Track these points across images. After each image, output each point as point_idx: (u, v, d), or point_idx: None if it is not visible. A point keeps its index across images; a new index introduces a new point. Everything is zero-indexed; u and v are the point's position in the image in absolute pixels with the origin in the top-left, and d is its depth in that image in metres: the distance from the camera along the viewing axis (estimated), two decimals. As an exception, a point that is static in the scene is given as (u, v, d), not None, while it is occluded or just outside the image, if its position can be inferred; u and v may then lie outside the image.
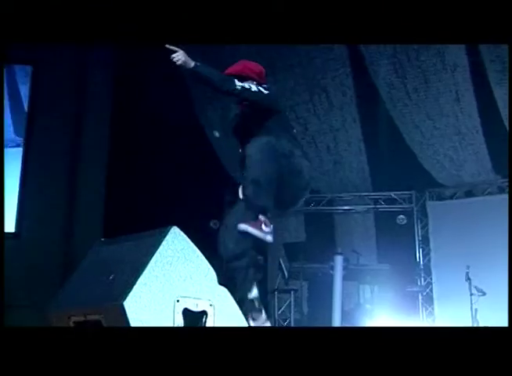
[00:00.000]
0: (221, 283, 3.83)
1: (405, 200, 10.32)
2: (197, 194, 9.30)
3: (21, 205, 8.35)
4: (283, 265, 9.64)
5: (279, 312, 9.66)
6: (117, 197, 8.39)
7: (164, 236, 3.60)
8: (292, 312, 9.48)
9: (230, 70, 4.32)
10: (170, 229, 3.65)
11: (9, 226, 8.31)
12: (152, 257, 3.50)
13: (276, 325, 9.42)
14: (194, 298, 3.64)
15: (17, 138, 8.73)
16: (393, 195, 10.33)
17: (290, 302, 9.53)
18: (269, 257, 10.44)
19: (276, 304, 9.61)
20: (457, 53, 8.27)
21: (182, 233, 3.69)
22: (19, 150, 8.52)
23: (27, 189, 8.34)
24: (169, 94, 8.89)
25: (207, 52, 8.95)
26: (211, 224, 10.22)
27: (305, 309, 10.08)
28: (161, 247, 3.56)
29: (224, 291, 3.83)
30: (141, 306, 3.37)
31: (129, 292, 3.34)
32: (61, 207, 8.39)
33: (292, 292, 9.53)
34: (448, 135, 9.12)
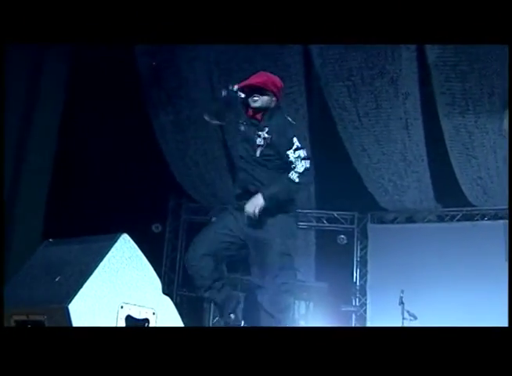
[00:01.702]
0: (165, 292, 3.86)
1: (346, 221, 10.49)
2: (141, 198, 9.28)
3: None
4: (222, 276, 9.64)
5: (214, 321, 9.68)
6: (60, 200, 8.29)
7: (114, 242, 3.62)
8: (226, 322, 9.48)
9: (252, 80, 4.27)
10: (120, 235, 3.66)
11: None
12: (100, 262, 3.51)
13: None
14: (138, 306, 3.66)
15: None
16: (335, 214, 10.49)
17: (226, 312, 9.52)
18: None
19: (212, 313, 9.63)
20: (410, 82, 8.46)
21: (131, 241, 3.71)
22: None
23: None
24: (121, 97, 8.86)
25: (166, 58, 9.07)
26: (153, 228, 10.24)
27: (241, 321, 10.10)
28: (110, 253, 3.57)
29: (167, 299, 3.87)
30: (85, 310, 3.38)
31: (75, 295, 3.35)
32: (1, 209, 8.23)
33: (228, 302, 9.53)
34: (394, 160, 9.31)
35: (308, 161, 4.26)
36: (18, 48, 7.99)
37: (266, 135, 4.26)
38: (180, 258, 10.53)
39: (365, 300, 10.03)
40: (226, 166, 9.89)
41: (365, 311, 9.96)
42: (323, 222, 10.55)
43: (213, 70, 9.10)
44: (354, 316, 9.96)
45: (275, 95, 4.32)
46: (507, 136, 4.05)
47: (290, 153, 4.26)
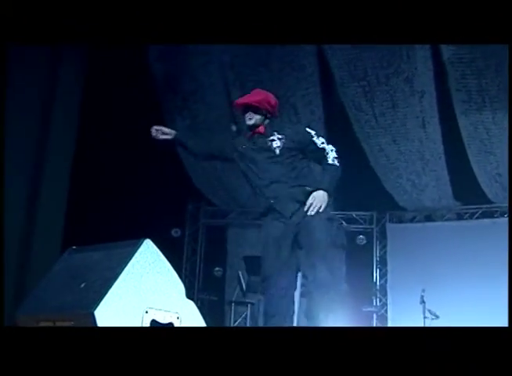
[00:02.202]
0: (189, 297, 3.87)
1: (365, 221, 10.48)
2: (159, 203, 9.32)
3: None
4: (242, 278, 9.67)
5: (235, 324, 9.69)
6: (79, 207, 8.34)
7: (137, 247, 3.63)
8: (248, 325, 9.52)
9: (248, 99, 4.45)
10: (143, 241, 3.68)
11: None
12: (124, 268, 3.52)
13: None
14: (162, 310, 3.67)
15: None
16: (354, 215, 10.48)
17: (246, 315, 9.57)
18: (228, 268, 10.51)
19: (232, 316, 9.64)
20: (425, 80, 8.45)
21: (154, 246, 3.72)
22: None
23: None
24: (137, 102, 8.90)
25: (180, 63, 9.10)
26: (173, 232, 10.28)
27: (261, 323, 10.10)
28: (133, 259, 3.58)
29: (191, 304, 3.88)
30: (111, 315, 3.39)
31: (100, 301, 3.36)
32: (21, 208, 8.29)
33: (249, 305, 9.57)
34: (412, 159, 9.30)
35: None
36: (32, 51, 8.06)
37: (279, 136, 4.40)
38: (200, 261, 10.57)
39: (386, 300, 10.01)
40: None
41: (386, 311, 9.95)
42: (341, 223, 10.53)
43: (228, 73, 9.13)
44: (375, 316, 9.94)
45: (269, 112, 4.48)
46: None
47: (316, 140, 4.52)
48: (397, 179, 9.61)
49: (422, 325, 8.23)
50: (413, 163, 9.33)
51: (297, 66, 8.84)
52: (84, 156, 8.30)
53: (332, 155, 4.60)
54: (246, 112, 4.43)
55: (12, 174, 7.83)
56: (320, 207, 4.35)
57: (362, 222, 10.48)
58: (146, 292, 3.61)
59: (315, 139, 4.53)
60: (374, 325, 9.90)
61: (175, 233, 10.28)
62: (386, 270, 10.15)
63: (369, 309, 9.86)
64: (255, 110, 4.42)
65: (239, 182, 10.10)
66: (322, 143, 4.59)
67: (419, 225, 10.17)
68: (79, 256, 3.94)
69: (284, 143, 4.38)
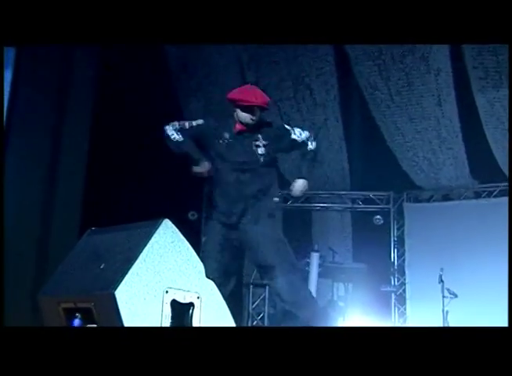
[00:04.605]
0: (208, 276, 3.88)
1: (382, 201, 10.44)
2: (176, 186, 9.31)
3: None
4: (260, 260, 9.68)
5: (253, 306, 9.73)
6: (96, 190, 8.37)
7: (156, 228, 3.63)
8: (266, 306, 9.55)
9: (263, 99, 4.69)
10: (162, 221, 3.68)
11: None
12: (144, 248, 3.53)
13: (249, 319, 9.50)
14: (182, 290, 3.68)
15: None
16: (371, 195, 10.44)
17: (265, 297, 9.59)
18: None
19: (251, 298, 9.67)
20: (441, 58, 8.38)
21: (173, 226, 3.73)
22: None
23: (5, 178, 8.28)
24: (152, 87, 8.89)
25: (193, 48, 9.07)
26: (189, 215, 10.27)
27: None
28: (153, 239, 3.59)
29: (211, 284, 3.88)
30: (131, 296, 3.40)
31: (120, 281, 3.37)
32: (39, 194, 8.35)
33: (267, 287, 9.59)
34: (428, 138, 9.24)
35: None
36: (45, 49, 8.08)
37: (265, 142, 4.68)
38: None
39: (404, 280, 9.98)
40: (259, 151, 9.88)
41: (404, 290, 9.92)
42: (359, 204, 10.51)
43: (242, 54, 9.10)
44: (393, 295, 9.93)
45: (263, 109, 4.68)
46: None
47: (294, 136, 4.84)
48: (413, 158, 9.56)
49: (440, 304, 8.22)
50: (430, 141, 9.27)
51: (311, 47, 8.79)
52: (102, 139, 8.32)
53: (310, 142, 4.88)
54: (253, 110, 4.58)
55: (28, 159, 7.89)
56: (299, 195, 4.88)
57: (378, 202, 10.44)
58: (166, 272, 3.62)
59: (292, 135, 4.82)
60: (393, 305, 9.91)
61: (192, 215, 10.28)
62: (404, 250, 10.11)
63: (388, 288, 9.85)
64: (251, 108, 4.59)
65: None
66: (300, 134, 4.84)
67: (436, 204, 10.11)
68: (98, 237, 3.95)
69: (267, 153, 4.66)
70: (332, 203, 10.57)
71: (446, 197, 10.09)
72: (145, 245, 3.55)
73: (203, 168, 4.70)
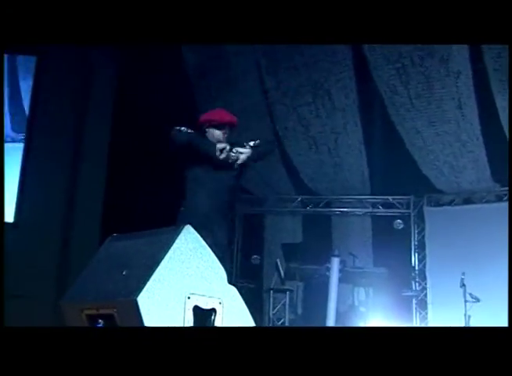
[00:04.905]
0: (230, 282, 3.88)
1: (402, 205, 10.39)
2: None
3: (21, 196, 8.38)
4: (280, 265, 9.67)
5: (274, 311, 9.69)
6: (117, 189, 8.41)
7: (178, 234, 3.64)
8: (287, 312, 9.53)
9: (233, 118, 5.29)
10: (183, 227, 3.69)
11: (8, 217, 8.37)
12: (166, 254, 3.54)
13: (270, 324, 9.47)
14: (204, 296, 3.68)
15: (15, 133, 8.80)
16: (391, 199, 10.40)
17: (285, 302, 9.57)
18: (266, 256, 10.51)
19: (271, 303, 9.64)
20: (461, 60, 8.32)
21: (194, 232, 3.73)
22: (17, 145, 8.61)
23: (28, 180, 8.37)
24: (171, 93, 8.92)
25: (212, 53, 9.09)
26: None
27: (300, 310, 10.13)
28: (175, 245, 3.60)
29: (233, 289, 3.88)
30: (153, 302, 3.41)
31: (143, 288, 3.38)
32: (61, 199, 8.42)
33: (287, 292, 9.57)
34: (448, 141, 9.17)
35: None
36: (65, 53, 8.14)
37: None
38: (237, 249, 10.58)
39: (425, 284, 9.92)
40: (279, 157, 9.87)
41: (425, 295, 9.86)
42: (379, 208, 10.46)
43: (260, 60, 9.10)
44: (415, 300, 9.87)
45: (232, 127, 5.25)
46: None
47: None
48: (434, 162, 9.50)
49: (463, 309, 8.15)
50: (450, 145, 9.20)
51: (330, 51, 8.77)
52: (120, 146, 8.36)
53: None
54: (224, 128, 5.14)
55: (50, 164, 7.96)
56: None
57: (399, 206, 10.39)
58: (188, 278, 3.62)
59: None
60: (414, 310, 9.85)
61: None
62: (424, 254, 10.05)
63: (409, 293, 9.80)
64: (231, 127, 5.21)
65: (274, 169, 10.10)
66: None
67: (457, 208, 10.03)
68: (120, 244, 3.96)
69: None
70: (352, 207, 10.54)
71: (467, 201, 10.02)
72: (167, 251, 3.55)
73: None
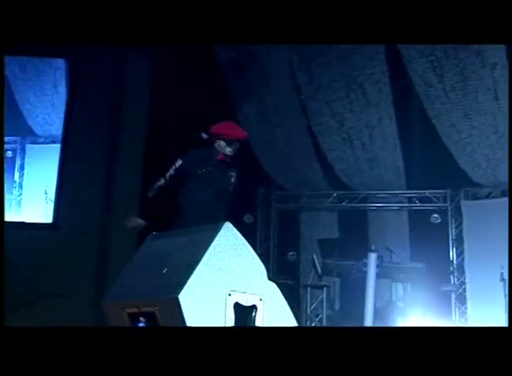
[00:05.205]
0: (270, 278, 3.87)
1: (439, 199, 10.29)
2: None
3: (59, 197, 8.47)
4: (317, 261, 9.66)
5: (311, 307, 9.69)
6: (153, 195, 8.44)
7: (218, 231, 3.65)
8: (324, 308, 9.52)
9: (242, 133, 5.60)
10: (223, 224, 3.70)
11: (48, 217, 8.48)
12: (206, 251, 3.55)
13: (308, 321, 9.47)
14: (245, 293, 3.68)
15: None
16: (427, 193, 10.30)
17: (323, 298, 9.56)
18: (302, 252, 10.49)
19: (309, 300, 9.64)
20: (496, 52, 8.20)
21: (234, 229, 3.74)
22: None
23: (65, 181, 8.45)
24: (205, 91, 8.93)
25: (245, 49, 9.08)
26: (245, 218, 10.30)
27: (337, 306, 10.10)
28: (215, 242, 3.61)
29: (273, 286, 3.88)
30: (195, 299, 3.42)
31: (184, 285, 3.39)
32: (98, 198, 8.48)
33: (324, 288, 9.56)
34: (485, 133, 9.05)
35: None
36: (98, 54, 8.20)
37: (232, 173, 5.47)
38: (273, 246, 10.58)
39: (464, 279, 9.81)
40: (313, 153, 9.84)
41: (464, 290, 9.75)
42: (415, 202, 10.37)
43: (292, 56, 9.07)
44: (453, 295, 9.77)
45: (241, 142, 5.53)
46: None
47: None
48: (471, 155, 9.38)
49: (503, 303, 8.06)
50: (487, 137, 9.08)
51: (363, 45, 8.71)
52: (155, 144, 8.40)
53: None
54: (231, 142, 5.39)
55: (87, 167, 8.04)
56: None
57: (435, 200, 10.29)
58: (229, 275, 3.63)
59: None
60: (453, 305, 9.76)
61: (248, 219, 10.30)
62: (462, 248, 9.94)
63: (447, 287, 9.70)
64: (234, 141, 5.42)
65: (308, 165, 10.08)
66: None
67: (495, 200, 9.89)
68: (160, 242, 3.98)
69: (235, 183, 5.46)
70: (388, 202, 10.47)
71: (505, 193, 9.85)
72: (207, 249, 3.56)
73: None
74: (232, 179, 5.47)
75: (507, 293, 8.06)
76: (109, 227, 8.43)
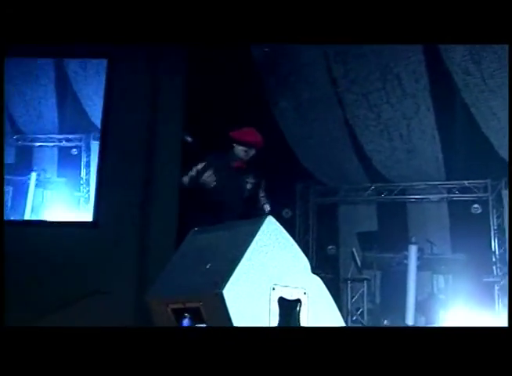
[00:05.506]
0: (315, 272, 3.85)
1: (479, 189, 10.15)
2: (269, 185, 9.31)
3: (98, 195, 8.52)
4: (356, 255, 9.62)
5: (352, 301, 9.64)
6: (191, 191, 8.47)
7: (260, 225, 3.64)
8: (365, 301, 9.48)
9: (252, 138, 5.70)
10: (265, 218, 3.68)
11: (87, 215, 8.56)
12: (249, 246, 3.54)
13: (349, 314, 9.42)
14: (289, 287, 3.66)
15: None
16: (467, 184, 10.16)
17: (363, 292, 9.51)
18: (341, 246, 10.45)
19: (349, 293, 9.60)
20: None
21: (276, 222, 3.72)
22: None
23: (104, 179, 8.50)
24: (240, 85, 8.92)
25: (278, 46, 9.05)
26: (283, 213, 10.28)
27: (378, 299, 10.04)
28: (257, 236, 3.59)
29: (317, 279, 3.85)
30: (239, 294, 3.41)
31: (228, 280, 3.39)
32: (137, 196, 8.52)
33: (365, 282, 9.52)
34: (527, 121, 8.90)
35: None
36: (134, 50, 8.24)
37: (253, 181, 5.71)
38: (312, 240, 10.54)
39: (507, 270, 9.66)
40: (350, 145, 9.78)
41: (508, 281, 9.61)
42: (455, 193, 10.24)
43: (328, 49, 9.02)
44: (496, 286, 9.62)
45: (257, 149, 5.72)
46: None
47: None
48: (512, 143, 9.24)
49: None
50: (529, 125, 8.94)
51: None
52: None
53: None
54: (248, 147, 5.61)
55: (126, 165, 8.08)
56: None
57: (476, 190, 10.16)
58: (272, 269, 3.61)
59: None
60: (496, 296, 9.62)
61: (286, 213, 10.28)
62: (505, 239, 9.79)
63: (490, 279, 9.57)
64: (251, 148, 5.60)
65: (346, 158, 10.02)
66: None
67: (538, 190, 9.74)
68: (202, 237, 3.98)
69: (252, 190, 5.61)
70: (427, 194, 10.35)
71: (547, 182, 9.71)
72: (250, 243, 3.55)
73: None
74: (248, 186, 5.67)
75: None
76: (149, 224, 8.48)
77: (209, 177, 5.73)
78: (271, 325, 3.48)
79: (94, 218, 8.49)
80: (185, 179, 5.84)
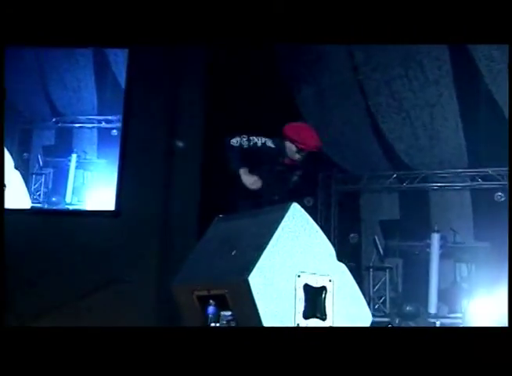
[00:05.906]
0: (339, 259, 3.83)
1: (503, 177, 10.03)
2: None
3: (120, 184, 8.54)
4: (378, 243, 9.58)
5: (375, 289, 9.62)
6: (214, 177, 8.47)
7: (285, 212, 3.62)
8: (387, 290, 9.45)
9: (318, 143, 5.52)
10: (290, 205, 3.66)
11: (109, 204, 8.57)
12: (274, 233, 3.53)
13: (371, 303, 9.39)
14: (314, 274, 3.65)
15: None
16: (490, 172, 10.05)
17: (385, 280, 9.48)
18: (364, 234, 10.41)
19: (371, 281, 9.57)
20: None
21: (302, 210, 3.70)
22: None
23: (126, 168, 8.52)
24: (262, 77, 8.89)
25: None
26: (305, 201, 10.25)
27: (400, 287, 10.00)
28: (283, 223, 3.58)
29: (342, 266, 3.84)
30: (264, 281, 3.41)
31: (253, 267, 3.38)
32: (159, 185, 8.54)
33: (387, 270, 9.49)
34: (551, 108, 8.79)
35: None
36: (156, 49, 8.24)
37: (299, 173, 5.58)
38: (334, 229, 10.51)
39: (507, 270, 9.57)
40: (372, 133, 9.73)
41: (532, 269, 9.52)
42: (478, 181, 10.15)
43: (349, 37, 8.96)
44: (521, 274, 9.56)
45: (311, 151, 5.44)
46: None
47: None
48: (536, 131, 9.14)
49: None
50: (553, 112, 8.82)
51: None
52: (214, 132, 8.40)
53: None
54: (302, 150, 5.25)
55: (147, 155, 8.11)
56: None
57: (499, 178, 10.05)
58: (298, 256, 3.60)
59: None
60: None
61: (308, 202, 10.24)
62: (529, 226, 9.70)
63: (514, 267, 9.49)
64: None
65: (368, 146, 9.96)
66: None
67: (562, 177, 9.63)
68: (227, 224, 3.97)
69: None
70: (450, 182, 10.27)
71: None
72: (275, 230, 3.54)
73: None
74: (295, 178, 5.54)
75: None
76: (170, 213, 8.50)
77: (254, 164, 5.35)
78: (296, 312, 3.47)
79: (116, 207, 8.53)
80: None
